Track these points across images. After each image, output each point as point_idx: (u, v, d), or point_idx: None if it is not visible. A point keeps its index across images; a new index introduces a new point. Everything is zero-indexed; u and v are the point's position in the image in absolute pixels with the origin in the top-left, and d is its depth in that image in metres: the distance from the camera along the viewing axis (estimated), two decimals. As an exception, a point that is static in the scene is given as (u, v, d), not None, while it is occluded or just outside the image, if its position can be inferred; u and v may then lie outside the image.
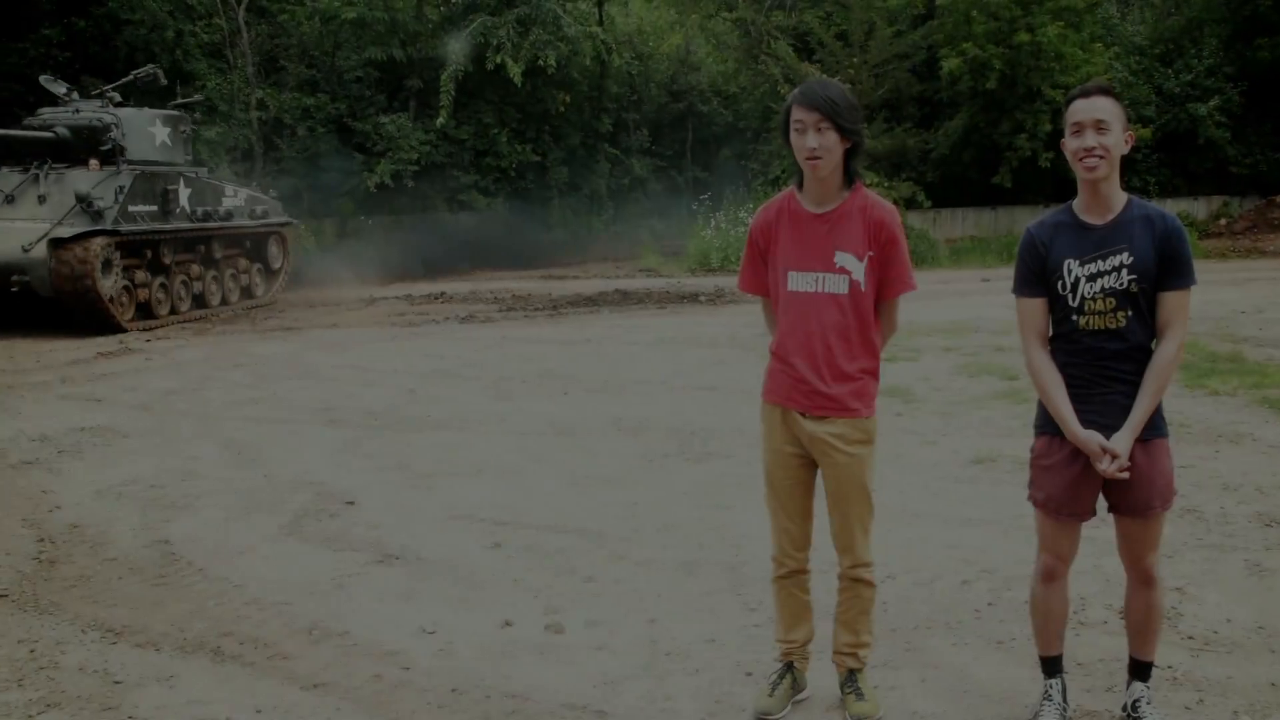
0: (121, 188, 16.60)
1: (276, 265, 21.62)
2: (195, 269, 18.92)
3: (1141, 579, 3.84)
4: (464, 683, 4.50)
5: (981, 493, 6.89)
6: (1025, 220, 25.36)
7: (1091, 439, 3.60)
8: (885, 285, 3.92)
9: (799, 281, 3.91)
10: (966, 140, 25.54)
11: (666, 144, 34.29)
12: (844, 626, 4.14)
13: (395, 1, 28.27)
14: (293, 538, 6.41)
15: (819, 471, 4.06)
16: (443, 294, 21.29)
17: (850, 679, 4.14)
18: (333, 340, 15.17)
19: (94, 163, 16.98)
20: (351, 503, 7.05)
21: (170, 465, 8.17)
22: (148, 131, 18.25)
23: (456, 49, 25.52)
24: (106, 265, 16.23)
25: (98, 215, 16.09)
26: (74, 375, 12.77)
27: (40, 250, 15.68)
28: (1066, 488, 3.75)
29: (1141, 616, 3.88)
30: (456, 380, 11.55)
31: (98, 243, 15.94)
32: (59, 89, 18.31)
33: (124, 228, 16.54)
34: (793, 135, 3.85)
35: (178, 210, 18.18)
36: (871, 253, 3.87)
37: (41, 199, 16.23)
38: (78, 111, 17.69)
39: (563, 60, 27.10)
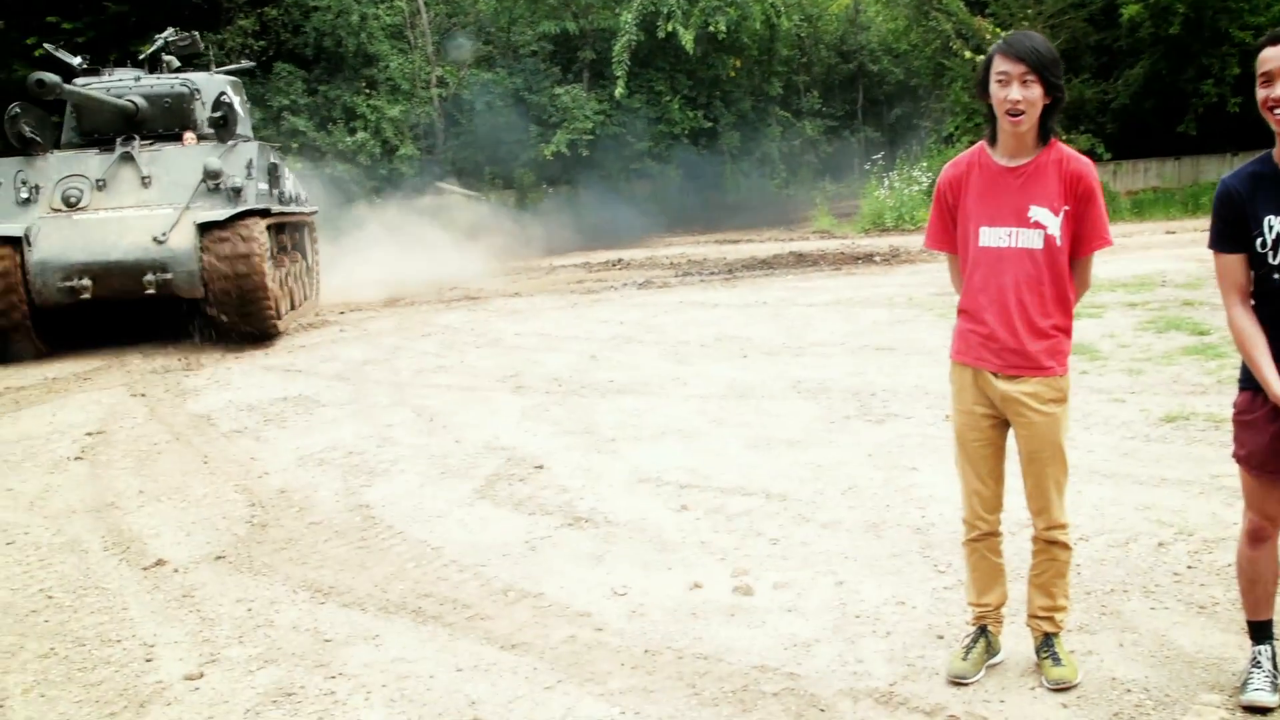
0: (250, 162, 13.46)
1: (311, 259, 17.44)
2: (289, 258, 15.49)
3: None
4: (656, 644, 4.50)
5: (1175, 452, 6.60)
6: (1212, 170, 24.27)
7: None
8: (1080, 241, 3.75)
9: (990, 237, 3.77)
10: (1148, 89, 24.43)
11: (837, 105, 33.80)
12: (1039, 590, 4.00)
13: None
14: (485, 501, 6.52)
15: (1011, 432, 3.92)
16: (620, 260, 21.41)
17: (1046, 643, 4.01)
18: (515, 308, 15.40)
19: (189, 136, 14.19)
20: (540, 467, 7.13)
21: (367, 432, 8.40)
22: (231, 101, 14.60)
23: (629, 20, 25.48)
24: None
25: (235, 194, 12.99)
26: (275, 346, 13.26)
27: (183, 239, 12.62)
28: (1268, 444, 3.55)
29: None
30: (636, 345, 11.59)
31: (259, 225, 12.93)
32: (72, 60, 15.50)
33: (275, 208, 13.83)
34: (994, 87, 3.69)
35: (283, 190, 15.20)
36: (1067, 207, 3.70)
37: (146, 181, 13.08)
38: (135, 80, 14.69)
39: (733, 25, 26.87)
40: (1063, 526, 3.92)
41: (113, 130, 13.78)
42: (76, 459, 8.13)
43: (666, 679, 4.21)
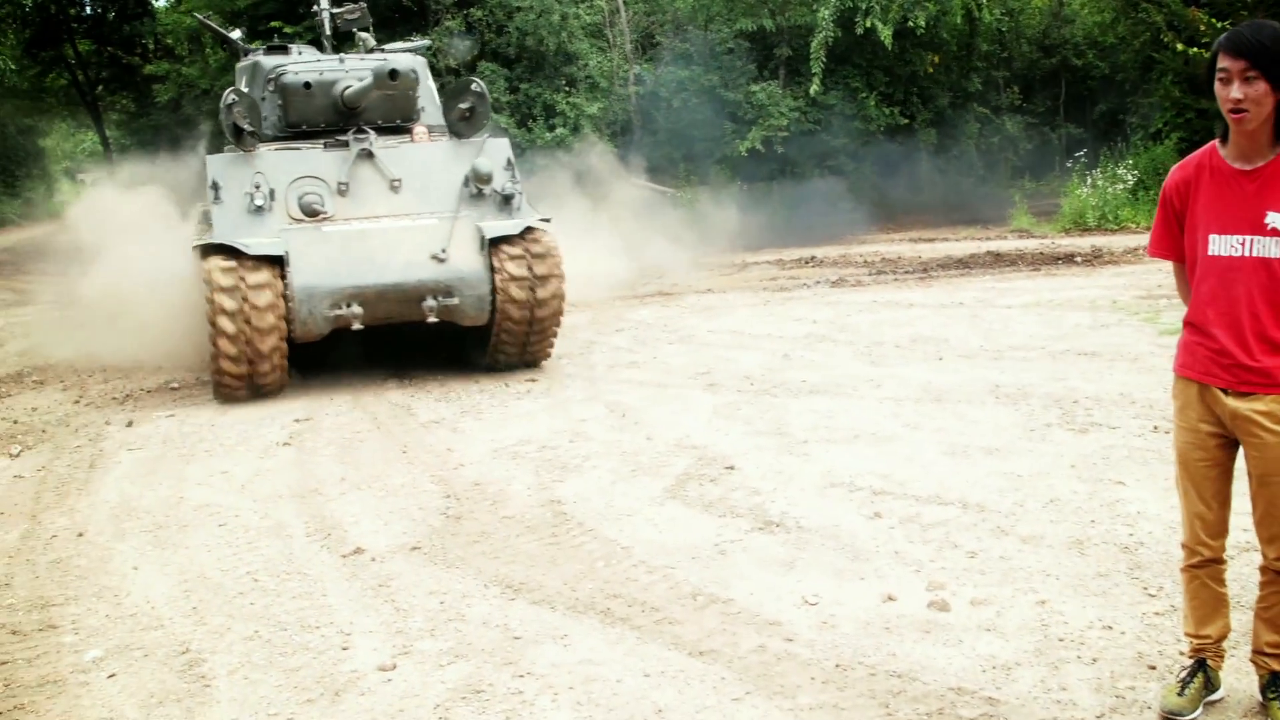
0: (509, 162, 10.96)
1: None
2: None
3: None
4: (848, 658, 4.32)
5: None
6: None
7: None
8: None
9: (1221, 245, 3.46)
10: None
11: (1038, 100, 32.62)
12: (1267, 624, 3.67)
13: None
14: (675, 501, 6.42)
15: (1240, 453, 3.60)
16: (813, 258, 21.09)
17: (1274, 682, 3.68)
18: (707, 305, 15.28)
19: (420, 130, 11.48)
20: (731, 467, 6.99)
21: (560, 426, 8.40)
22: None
23: (826, 16, 25.06)
24: None
25: (505, 201, 10.53)
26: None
27: (467, 256, 10.14)
28: None
29: None
30: (829, 345, 11.34)
31: (552, 238, 10.57)
32: (230, 34, 13.54)
33: (547, 217, 11.00)
34: (1216, 85, 3.39)
35: None
36: None
37: (395, 185, 10.44)
38: (339, 61, 11.46)
39: (932, 20, 26.16)
40: (1295, 557, 3.59)
41: (323, 121, 11.04)
42: (284, 445, 8.35)
43: (858, 696, 4.03)
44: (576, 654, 4.50)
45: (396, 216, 10.31)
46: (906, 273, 17.60)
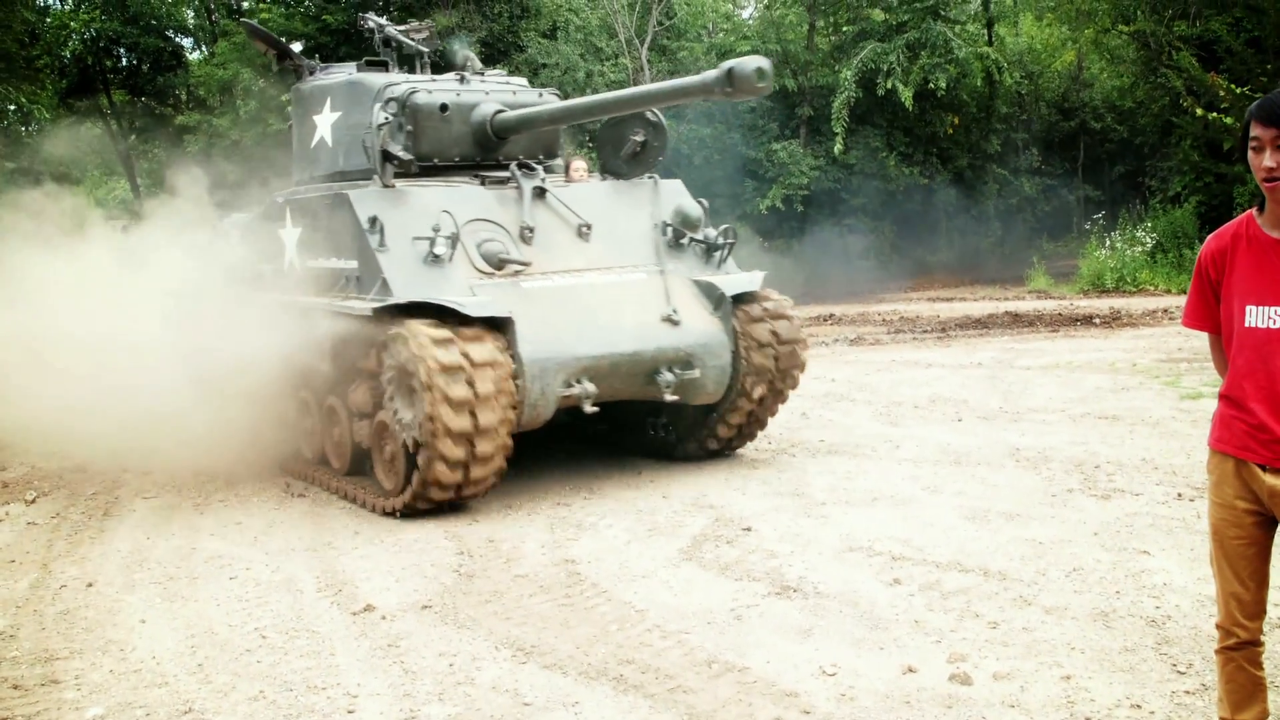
0: (703, 205, 9.03)
1: None
2: None
3: None
4: (866, 733, 4.14)
5: None
6: None
7: None
8: None
9: (1259, 316, 3.31)
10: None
11: (1056, 163, 32.58)
12: (1307, 710, 3.49)
13: (788, 34, 28.27)
14: (692, 563, 6.25)
15: (1278, 531, 3.44)
16: (831, 315, 20.99)
17: (1313, 770, 3.49)
18: (726, 361, 15.12)
19: (579, 166, 10.04)
20: (748, 529, 6.82)
21: (575, 483, 8.24)
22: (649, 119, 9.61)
23: (849, 77, 25.11)
24: None
25: (707, 251, 8.80)
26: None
27: (700, 318, 8.26)
28: None
29: None
30: (848, 404, 11.19)
31: (781, 295, 8.86)
32: (290, 49, 10.55)
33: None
34: (1250, 154, 3.27)
35: None
36: None
37: (583, 231, 8.50)
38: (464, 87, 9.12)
39: (952, 82, 26.21)
40: (1336, 641, 3.41)
41: (457, 154, 8.90)
42: (300, 496, 8.24)
43: (878, 775, 3.85)
44: (587, 722, 4.33)
45: (597, 270, 8.31)
46: (925, 332, 17.46)
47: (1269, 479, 3.32)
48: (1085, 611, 5.26)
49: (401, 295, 7.41)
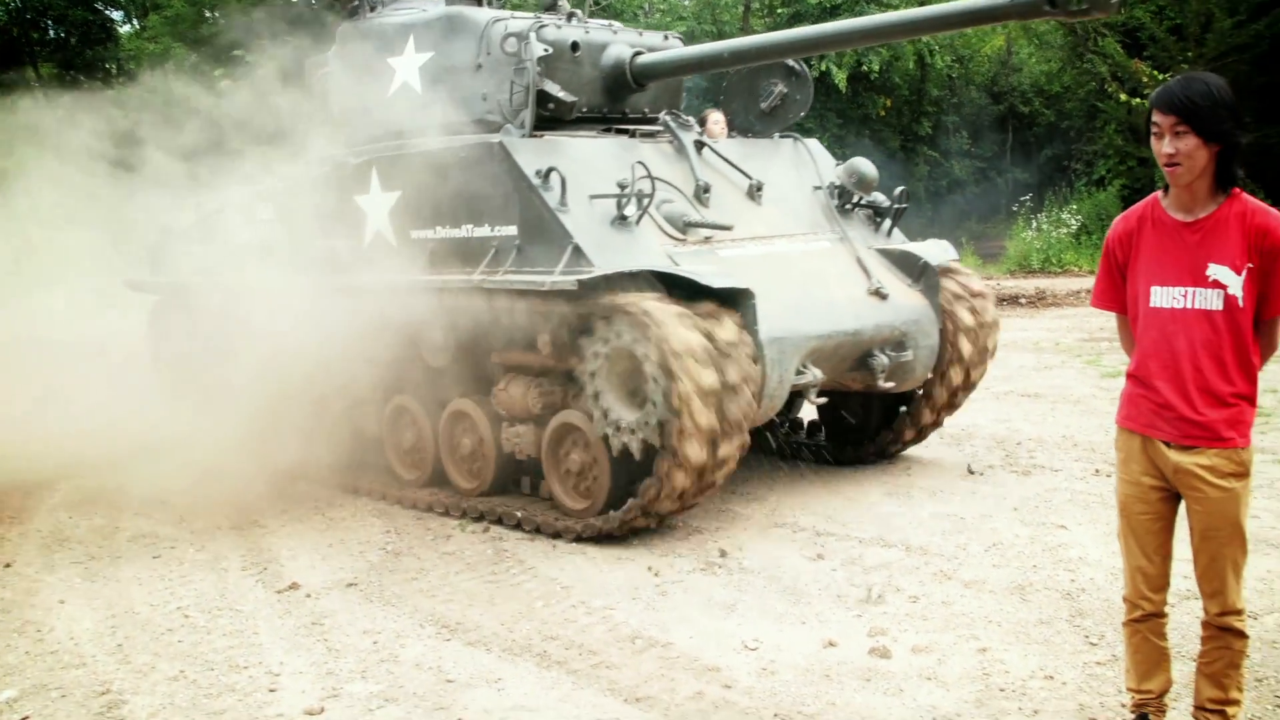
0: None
1: None
2: None
3: None
4: (786, 707, 4.16)
5: (1350, 521, 5.99)
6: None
7: None
8: (1267, 301, 3.31)
9: (1164, 297, 3.35)
10: (1317, 134, 23.13)
11: (985, 145, 32.86)
12: (1209, 680, 3.55)
13: (723, 15, 28.26)
14: (618, 539, 6.22)
15: (1182, 506, 3.49)
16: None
17: (1215, 738, 3.54)
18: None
19: (717, 119, 8.33)
20: (675, 505, 6.83)
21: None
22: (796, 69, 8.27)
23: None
24: None
25: (876, 215, 7.74)
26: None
27: (904, 292, 7.13)
28: None
29: None
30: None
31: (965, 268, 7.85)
32: None
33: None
34: (1152, 139, 3.31)
35: None
36: (1251, 265, 3.27)
37: (754, 190, 7.26)
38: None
39: (885, 65, 26.36)
40: (1239, 613, 3.46)
41: (585, 104, 7.30)
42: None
43: (796, 747, 3.87)
44: (510, 699, 4.31)
45: (780, 236, 7.10)
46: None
47: (1174, 456, 3.37)
48: (1003, 585, 5.32)
49: (606, 264, 5.96)
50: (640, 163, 6.33)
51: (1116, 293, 3.56)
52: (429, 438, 7.28)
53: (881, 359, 6.77)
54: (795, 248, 7.04)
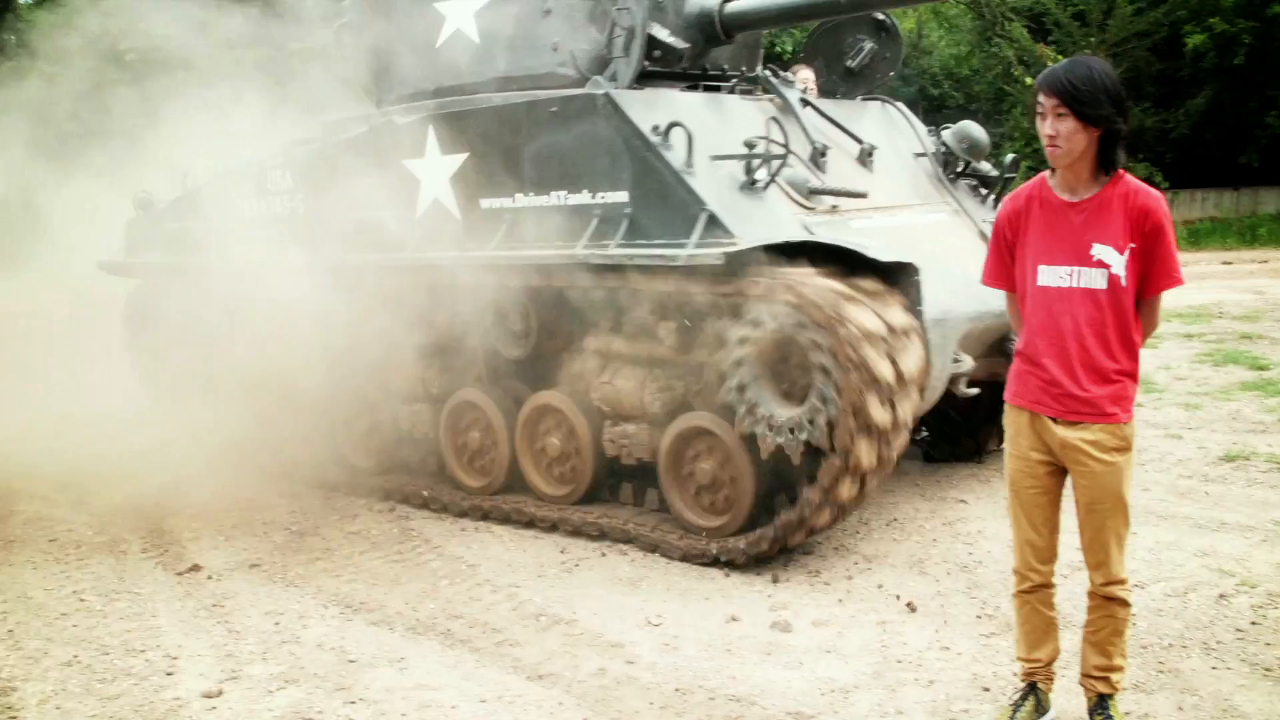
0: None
1: None
2: None
3: None
4: (688, 681, 4.19)
5: (1235, 494, 6.17)
6: (1272, 202, 23.55)
7: None
8: (1148, 280, 3.39)
9: (1050, 276, 3.42)
10: (1209, 119, 23.65)
11: (897, 127, 33.23)
12: (1094, 648, 3.64)
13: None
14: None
15: (1068, 480, 3.57)
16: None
17: (1100, 705, 3.64)
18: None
19: (807, 77, 7.15)
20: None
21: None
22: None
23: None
24: None
25: (984, 188, 7.01)
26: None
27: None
28: None
29: None
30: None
31: None
32: None
33: None
34: (1038, 120, 3.37)
35: None
36: (1134, 245, 3.34)
37: (866, 155, 6.37)
38: None
39: (799, 46, 26.52)
40: (1122, 582, 3.56)
41: (664, 62, 6.36)
42: (133, 453, 7.88)
43: (696, 721, 3.91)
44: (412, 678, 4.29)
45: (903, 207, 6.28)
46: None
47: (1060, 431, 3.44)
48: (903, 559, 5.41)
49: (749, 236, 5.09)
50: (774, 119, 5.49)
51: (1005, 271, 3.62)
52: (503, 438, 6.32)
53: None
54: (917, 219, 6.25)
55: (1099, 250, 3.33)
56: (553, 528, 6.02)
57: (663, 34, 6.05)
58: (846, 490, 5.03)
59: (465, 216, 6.08)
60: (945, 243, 6.08)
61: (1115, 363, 3.38)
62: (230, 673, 4.37)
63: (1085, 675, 3.69)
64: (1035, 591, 3.68)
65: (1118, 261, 3.33)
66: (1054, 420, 3.45)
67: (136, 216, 8.13)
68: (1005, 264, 3.59)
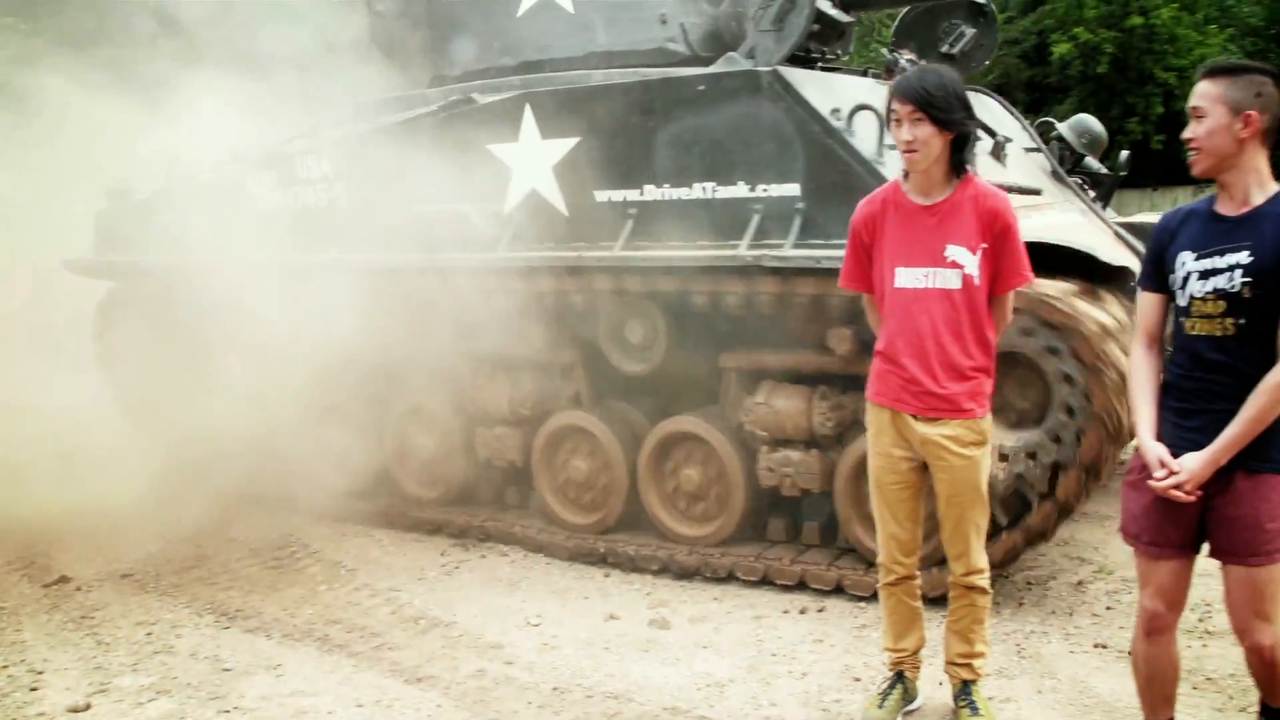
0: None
1: None
2: None
3: (1253, 649, 3.04)
4: (566, 680, 4.22)
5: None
6: (1133, 205, 24.40)
7: (1153, 449, 2.98)
8: (999, 278, 3.52)
9: (907, 277, 3.52)
10: (1075, 124, 24.54)
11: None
12: (957, 636, 3.77)
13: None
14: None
15: (928, 474, 3.69)
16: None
17: (964, 691, 3.77)
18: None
19: (911, 60, 5.88)
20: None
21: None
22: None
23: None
24: None
25: (1094, 184, 6.62)
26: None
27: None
28: (1145, 511, 3.07)
29: (1264, 675, 3.11)
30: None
31: None
32: None
33: None
34: (892, 126, 3.48)
35: None
36: (985, 245, 3.47)
37: (1000, 149, 5.46)
38: None
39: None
40: (981, 571, 3.69)
41: (820, 38, 6.01)
42: None
43: (573, 719, 3.94)
44: (288, 685, 4.25)
45: (1049, 205, 5.58)
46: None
47: (920, 427, 3.55)
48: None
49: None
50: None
51: (863, 274, 3.71)
52: (619, 468, 5.52)
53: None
54: (1064, 219, 5.56)
55: (953, 251, 3.45)
56: (725, 578, 5.23)
57: (825, 5, 5.37)
58: (1070, 504, 4.64)
59: (573, 211, 5.29)
60: (1102, 244, 5.30)
61: (971, 360, 3.50)
62: (99, 685, 4.28)
63: (949, 663, 3.81)
64: (900, 584, 3.79)
65: (970, 262, 3.46)
66: (914, 417, 3.55)
67: (109, 208, 7.04)
68: (863, 266, 3.68)
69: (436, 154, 5.45)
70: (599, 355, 5.48)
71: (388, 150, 5.66)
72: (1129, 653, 3.30)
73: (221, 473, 6.16)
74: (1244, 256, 2.91)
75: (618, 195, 5.16)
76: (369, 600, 5.09)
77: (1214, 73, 2.97)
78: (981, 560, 3.68)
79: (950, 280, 3.45)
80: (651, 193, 5.08)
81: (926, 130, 3.37)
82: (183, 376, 6.59)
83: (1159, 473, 2.96)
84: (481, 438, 5.92)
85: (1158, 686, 3.23)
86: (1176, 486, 2.93)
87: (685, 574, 5.27)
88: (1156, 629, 3.15)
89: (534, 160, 5.33)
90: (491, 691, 4.15)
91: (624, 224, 5.09)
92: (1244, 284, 2.90)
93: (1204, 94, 2.95)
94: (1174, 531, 3.04)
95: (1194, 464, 2.92)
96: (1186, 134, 3.01)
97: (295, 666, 4.41)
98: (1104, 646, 4.34)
